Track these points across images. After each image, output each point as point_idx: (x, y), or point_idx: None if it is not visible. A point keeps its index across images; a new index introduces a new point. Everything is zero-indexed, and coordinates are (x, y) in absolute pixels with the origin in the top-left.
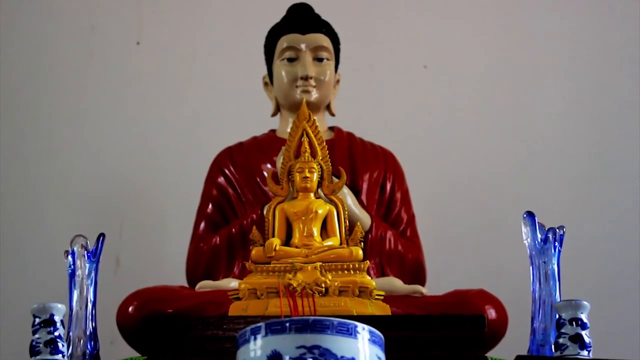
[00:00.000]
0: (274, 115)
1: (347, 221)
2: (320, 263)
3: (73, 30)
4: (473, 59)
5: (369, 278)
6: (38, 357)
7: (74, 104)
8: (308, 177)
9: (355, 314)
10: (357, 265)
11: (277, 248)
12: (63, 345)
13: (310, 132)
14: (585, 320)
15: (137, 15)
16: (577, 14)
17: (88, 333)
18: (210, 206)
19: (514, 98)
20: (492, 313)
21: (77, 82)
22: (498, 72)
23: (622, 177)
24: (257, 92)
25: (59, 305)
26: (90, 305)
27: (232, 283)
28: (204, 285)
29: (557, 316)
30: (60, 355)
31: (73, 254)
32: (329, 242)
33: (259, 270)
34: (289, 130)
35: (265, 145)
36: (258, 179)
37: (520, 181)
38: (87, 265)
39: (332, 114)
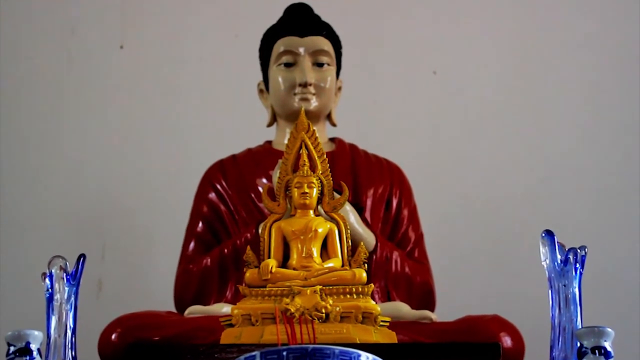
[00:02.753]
0: (269, 125)
1: (350, 241)
2: (321, 286)
3: (51, 33)
4: (486, 65)
5: (373, 303)
6: None
7: (51, 112)
8: (307, 193)
9: (358, 342)
10: (360, 289)
11: (274, 270)
12: None
13: (309, 143)
14: (609, 348)
15: (121, 16)
16: (598, 20)
17: None
18: (200, 224)
19: (530, 107)
20: (507, 341)
21: (55, 88)
22: (513, 80)
23: None
24: (252, 100)
25: (36, 333)
26: (69, 333)
27: (225, 308)
28: (194, 310)
29: (579, 344)
30: None
31: (51, 276)
32: (329, 264)
33: (253, 294)
34: (286, 141)
35: (261, 158)
36: (252, 195)
37: (538, 197)
38: (67, 288)
39: (333, 124)
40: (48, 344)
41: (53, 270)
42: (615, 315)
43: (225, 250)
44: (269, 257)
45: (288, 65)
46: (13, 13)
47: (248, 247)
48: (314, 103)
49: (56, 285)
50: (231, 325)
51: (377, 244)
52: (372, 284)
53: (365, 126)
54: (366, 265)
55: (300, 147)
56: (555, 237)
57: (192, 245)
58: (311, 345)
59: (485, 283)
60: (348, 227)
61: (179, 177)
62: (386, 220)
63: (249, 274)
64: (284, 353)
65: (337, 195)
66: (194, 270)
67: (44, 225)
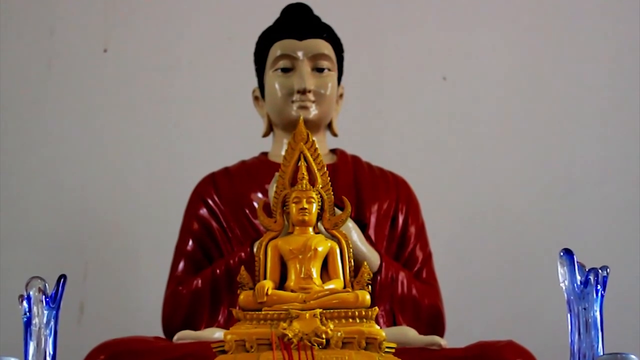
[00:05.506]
0: (265, 135)
1: (352, 260)
2: (321, 310)
3: (27, 34)
4: (500, 70)
5: (377, 327)
6: None
7: (28, 121)
8: (306, 209)
9: None
10: (363, 313)
11: (270, 292)
12: None
13: (308, 155)
14: None
15: (104, 16)
16: (623, 25)
17: None
18: (190, 243)
19: (549, 117)
20: None
21: (32, 95)
22: (530, 87)
23: None
24: (247, 108)
25: None
26: None
27: (217, 333)
28: (184, 336)
29: None
30: None
31: (29, 299)
32: (330, 285)
33: (248, 318)
34: (283, 153)
35: (256, 171)
36: (247, 211)
37: (556, 214)
38: (46, 312)
39: (335, 134)
40: None
41: (31, 293)
42: (639, 341)
43: (218, 271)
44: (265, 278)
45: (285, 70)
46: None
47: (242, 268)
48: (313, 111)
49: (34, 309)
50: (224, 352)
51: (381, 263)
52: (376, 307)
53: (369, 136)
54: (370, 286)
55: (299, 159)
56: (574, 257)
57: (181, 265)
58: None
59: (499, 306)
60: (350, 245)
61: (168, 192)
62: (392, 239)
63: (243, 296)
64: None
65: (338, 211)
66: (184, 292)
67: (20, 244)
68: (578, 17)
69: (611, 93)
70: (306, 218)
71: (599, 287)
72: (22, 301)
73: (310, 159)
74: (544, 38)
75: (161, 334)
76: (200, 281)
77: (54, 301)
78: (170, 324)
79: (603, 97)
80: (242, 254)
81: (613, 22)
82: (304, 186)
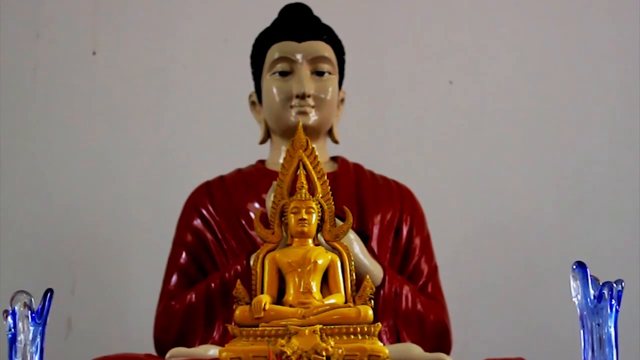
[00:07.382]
0: (263, 142)
1: (354, 274)
2: (321, 326)
3: (13, 37)
4: (509, 74)
5: (380, 344)
6: None
7: (13, 127)
8: (305, 219)
9: None
10: (366, 329)
11: (267, 307)
12: None
13: (307, 163)
14: None
15: (93, 18)
16: (628, 25)
17: None
18: (184, 255)
19: (560, 122)
20: None
21: (18, 100)
22: (539, 91)
23: None
24: (243, 114)
25: None
26: None
27: (212, 350)
28: (177, 353)
29: None
30: None
31: (14, 314)
32: (331, 300)
33: (244, 334)
34: (281, 160)
35: (252, 180)
36: (243, 222)
37: (569, 225)
38: (32, 328)
39: (335, 141)
40: None
41: (16, 308)
42: None
43: (212, 285)
44: (262, 293)
45: (284, 73)
46: None
47: (238, 281)
48: (313, 117)
49: (20, 325)
50: None
51: (385, 277)
52: (379, 323)
53: (371, 143)
54: (373, 301)
55: (298, 167)
56: (588, 270)
57: (174, 278)
58: None
59: (508, 322)
60: (352, 258)
61: (160, 202)
62: (395, 251)
63: (240, 311)
64: None
65: (339, 222)
66: (177, 307)
67: (5, 257)
68: (586, 21)
69: (623, 100)
70: (305, 229)
71: (613, 301)
72: (6, 317)
73: (310, 167)
74: (552, 42)
75: (153, 351)
76: (194, 295)
77: (40, 317)
78: (163, 340)
79: (614, 103)
80: (238, 267)
81: (622, 25)
82: (303, 196)
